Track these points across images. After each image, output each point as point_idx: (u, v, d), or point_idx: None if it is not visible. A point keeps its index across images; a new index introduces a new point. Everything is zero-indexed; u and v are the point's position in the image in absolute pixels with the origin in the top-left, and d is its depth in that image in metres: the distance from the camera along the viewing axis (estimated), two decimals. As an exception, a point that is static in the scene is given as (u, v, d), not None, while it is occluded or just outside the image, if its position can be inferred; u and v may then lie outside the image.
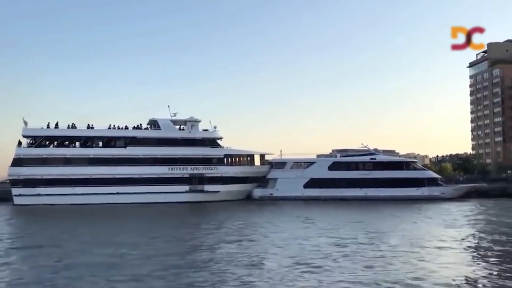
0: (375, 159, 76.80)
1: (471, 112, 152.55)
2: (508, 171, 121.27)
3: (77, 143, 74.40)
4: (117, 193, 70.78)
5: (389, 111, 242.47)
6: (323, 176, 75.19)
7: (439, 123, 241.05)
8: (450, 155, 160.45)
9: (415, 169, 77.06)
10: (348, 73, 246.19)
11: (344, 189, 73.45)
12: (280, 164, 78.43)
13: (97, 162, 72.49)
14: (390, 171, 74.76)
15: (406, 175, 74.72)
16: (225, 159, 76.70)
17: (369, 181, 73.93)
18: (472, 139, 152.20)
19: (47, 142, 73.54)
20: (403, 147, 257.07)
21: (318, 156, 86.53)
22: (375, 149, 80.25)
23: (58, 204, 66.52)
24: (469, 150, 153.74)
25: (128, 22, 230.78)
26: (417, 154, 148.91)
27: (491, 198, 71.69)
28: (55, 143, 73.84)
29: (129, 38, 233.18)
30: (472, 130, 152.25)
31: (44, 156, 71.49)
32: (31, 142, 72.57)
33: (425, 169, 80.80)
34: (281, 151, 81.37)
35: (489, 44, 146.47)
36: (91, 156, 73.04)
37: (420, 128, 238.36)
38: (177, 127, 76.91)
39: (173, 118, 76.68)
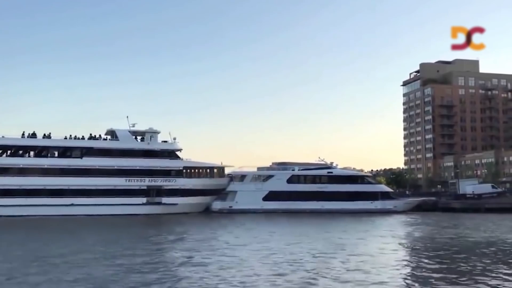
0: (332, 173, 79.11)
1: (404, 129, 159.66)
2: (438, 186, 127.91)
3: (32, 153, 71.97)
4: (72, 205, 68.98)
5: (326, 125, 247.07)
6: (282, 189, 76.59)
7: (374, 138, 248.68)
8: (384, 169, 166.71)
9: (369, 183, 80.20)
10: (287, 87, 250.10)
11: (302, 202, 75.07)
12: (240, 177, 79.14)
13: (52, 173, 70.36)
14: (346, 185, 77.34)
15: (361, 188, 77.61)
16: (184, 171, 76.39)
17: (326, 194, 76.00)
18: (405, 155, 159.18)
19: (0, 151, 70.78)
20: (339, 161, 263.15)
21: (259, 168, 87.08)
22: (331, 163, 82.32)
23: (10, 215, 63.70)
24: (401, 165, 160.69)
25: (80, 25, 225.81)
26: (353, 168, 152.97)
27: (443, 212, 75.00)
28: (9, 152, 71.20)
29: (82, 44, 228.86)
30: (405, 146, 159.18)
31: None
32: (-18, 151, 69.55)
33: (378, 183, 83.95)
34: (221, 163, 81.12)
35: (421, 64, 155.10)
36: (46, 166, 70.74)
37: (356, 143, 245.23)
38: (136, 138, 76.12)
39: (132, 129, 75.66)
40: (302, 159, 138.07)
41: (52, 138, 73.25)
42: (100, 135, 76.96)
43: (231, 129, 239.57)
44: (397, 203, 78.44)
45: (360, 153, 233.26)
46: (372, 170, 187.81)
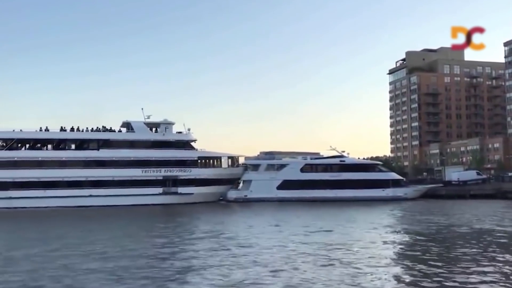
0: (344, 161, 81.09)
1: (390, 117, 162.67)
2: (424, 173, 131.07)
3: (50, 146, 72.66)
4: (90, 196, 69.84)
5: (311, 114, 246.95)
6: (296, 177, 78.16)
7: (360, 126, 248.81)
8: (371, 157, 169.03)
9: (380, 171, 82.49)
10: (268, 74, 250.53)
11: (315, 190, 76.66)
12: (254, 166, 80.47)
13: (70, 165, 71.24)
14: (358, 173, 79.33)
15: (372, 176, 79.73)
16: (199, 161, 77.39)
17: (338, 182, 77.70)
18: (391, 143, 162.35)
19: (19, 145, 71.50)
20: (326, 150, 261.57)
21: (247, 158, 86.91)
22: (343, 152, 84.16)
23: (30, 207, 64.86)
24: (388, 153, 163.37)
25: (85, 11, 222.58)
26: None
27: (448, 199, 76.43)
28: (27, 145, 71.86)
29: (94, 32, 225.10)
30: (391, 134, 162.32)
31: (16, 159, 69.37)
32: (2, 144, 70.78)
33: (389, 171, 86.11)
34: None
35: (407, 53, 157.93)
36: (64, 158, 71.64)
37: (342, 131, 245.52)
38: (151, 129, 76.84)
39: (147, 120, 76.55)
40: (289, 148, 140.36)
41: (68, 131, 74.06)
42: (100, 127, 77.12)
43: (219, 118, 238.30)
44: (408, 190, 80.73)
45: (347, 142, 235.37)
46: (359, 158, 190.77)
